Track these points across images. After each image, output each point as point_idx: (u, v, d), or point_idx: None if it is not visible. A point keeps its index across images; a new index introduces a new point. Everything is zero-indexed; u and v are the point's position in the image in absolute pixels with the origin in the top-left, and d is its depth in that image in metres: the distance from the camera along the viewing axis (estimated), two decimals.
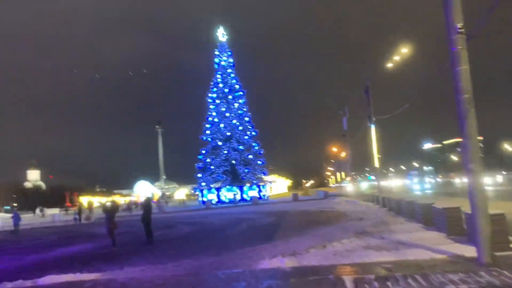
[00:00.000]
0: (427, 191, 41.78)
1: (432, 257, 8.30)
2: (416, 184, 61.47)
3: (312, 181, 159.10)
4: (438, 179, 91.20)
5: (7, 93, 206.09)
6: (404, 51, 26.70)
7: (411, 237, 11.23)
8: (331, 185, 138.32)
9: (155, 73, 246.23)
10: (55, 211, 68.99)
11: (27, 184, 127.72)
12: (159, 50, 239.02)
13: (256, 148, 60.04)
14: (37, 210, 72.52)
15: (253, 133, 60.57)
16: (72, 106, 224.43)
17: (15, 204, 75.73)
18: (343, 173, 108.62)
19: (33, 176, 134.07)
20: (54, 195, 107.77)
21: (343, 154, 59.56)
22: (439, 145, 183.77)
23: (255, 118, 62.54)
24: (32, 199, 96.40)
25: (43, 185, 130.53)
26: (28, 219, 45.64)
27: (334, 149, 69.28)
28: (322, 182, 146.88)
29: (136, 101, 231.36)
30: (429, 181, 77.90)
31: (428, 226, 13.03)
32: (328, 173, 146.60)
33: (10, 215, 32.34)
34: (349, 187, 57.21)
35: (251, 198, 53.95)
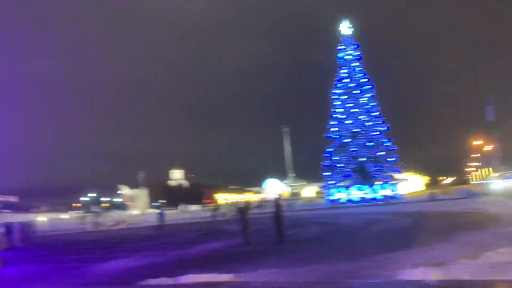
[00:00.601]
0: None
1: None
2: None
3: (451, 178, 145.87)
4: None
5: (156, 103, 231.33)
6: None
7: None
8: (472, 182, 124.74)
9: (279, 73, 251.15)
10: (195, 207, 75.20)
11: (171, 183, 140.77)
12: (280, 50, 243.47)
13: (387, 144, 56.99)
14: (181, 207, 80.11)
15: (384, 128, 57.63)
16: (207, 111, 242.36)
17: (162, 201, 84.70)
18: (488, 169, 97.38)
19: (177, 175, 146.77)
20: (194, 193, 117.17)
21: (488, 148, 53.20)
22: None
23: (387, 113, 59.44)
24: (175, 196, 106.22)
25: (185, 183, 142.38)
26: (172, 215, 50.21)
27: (478, 142, 62.18)
28: (462, 179, 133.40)
29: (263, 101, 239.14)
30: None
31: None
32: (470, 169, 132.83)
33: (157, 211, 36.03)
34: (497, 184, 50.72)
35: (383, 197, 51.47)
